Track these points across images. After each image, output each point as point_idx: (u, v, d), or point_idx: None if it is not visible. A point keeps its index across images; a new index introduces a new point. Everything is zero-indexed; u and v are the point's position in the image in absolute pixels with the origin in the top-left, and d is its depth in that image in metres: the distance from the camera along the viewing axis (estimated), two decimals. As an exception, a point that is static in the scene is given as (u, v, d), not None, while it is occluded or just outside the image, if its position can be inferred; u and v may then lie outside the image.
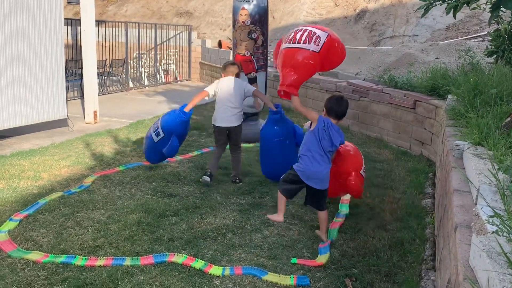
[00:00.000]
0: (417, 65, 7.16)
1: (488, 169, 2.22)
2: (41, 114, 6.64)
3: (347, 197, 4.39)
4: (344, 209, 4.11)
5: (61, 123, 7.07)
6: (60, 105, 6.94)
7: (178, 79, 14.39)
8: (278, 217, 3.79)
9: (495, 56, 5.45)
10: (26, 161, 5.31)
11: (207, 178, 4.61)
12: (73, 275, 2.93)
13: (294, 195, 3.76)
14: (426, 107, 5.73)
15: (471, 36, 9.78)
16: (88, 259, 3.13)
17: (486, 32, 9.22)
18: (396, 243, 3.44)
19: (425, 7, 4.68)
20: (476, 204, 2.02)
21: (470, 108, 3.71)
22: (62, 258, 3.13)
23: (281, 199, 3.75)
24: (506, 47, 5.20)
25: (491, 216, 1.59)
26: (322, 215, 3.58)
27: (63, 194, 4.34)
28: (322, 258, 3.20)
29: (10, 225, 3.63)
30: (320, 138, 3.49)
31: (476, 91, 4.06)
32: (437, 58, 7.53)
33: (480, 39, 9.10)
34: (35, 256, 3.16)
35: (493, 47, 5.42)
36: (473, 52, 5.95)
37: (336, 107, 3.57)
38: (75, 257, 3.15)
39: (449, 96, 4.76)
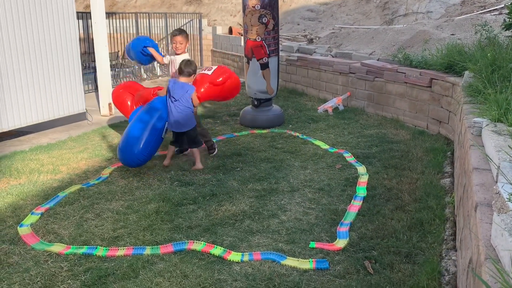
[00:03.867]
0: (432, 42, 7.01)
1: (509, 146, 2.17)
2: (60, 109, 6.73)
3: (364, 179, 4.37)
4: (361, 192, 4.08)
5: (77, 116, 7.15)
6: (78, 99, 7.02)
7: (191, 67, 14.34)
8: (166, 160, 4.98)
9: (513, 29, 5.29)
10: (45, 155, 5.39)
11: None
12: (95, 266, 2.99)
13: (176, 142, 5.04)
14: (443, 85, 5.62)
15: (488, 10, 9.52)
16: (109, 249, 3.18)
17: (503, 5, 8.96)
18: (416, 224, 3.41)
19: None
20: (496, 182, 1.98)
21: (488, 84, 3.62)
22: (83, 249, 3.19)
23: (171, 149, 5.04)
24: (525, 19, 5.04)
25: (512, 194, 1.55)
26: (196, 151, 4.89)
27: (82, 186, 4.41)
28: (341, 243, 3.19)
29: (32, 218, 3.70)
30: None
31: (494, 66, 3.96)
32: (452, 34, 7.35)
33: (497, 13, 8.85)
34: (57, 248, 3.22)
35: (510, 19, 5.25)
36: (490, 26, 5.78)
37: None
38: (96, 248, 3.20)
39: (466, 72, 4.65)
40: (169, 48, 13.50)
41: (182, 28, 5.84)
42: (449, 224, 3.31)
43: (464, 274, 2.09)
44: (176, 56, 5.32)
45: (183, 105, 4.72)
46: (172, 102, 4.73)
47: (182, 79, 4.81)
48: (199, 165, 4.83)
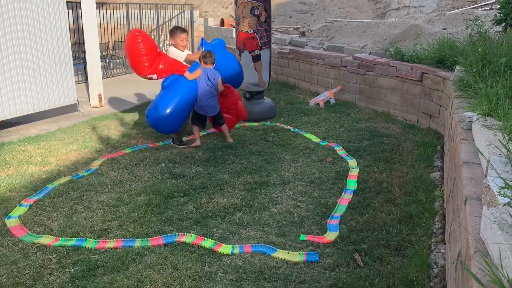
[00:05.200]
0: (424, 37, 7.03)
1: (498, 140, 2.18)
2: (51, 100, 6.65)
3: (354, 172, 4.38)
4: (352, 185, 4.09)
5: (66, 108, 7.07)
6: (69, 90, 6.94)
7: (182, 59, 14.25)
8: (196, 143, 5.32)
9: (503, 24, 5.31)
10: (34, 147, 5.33)
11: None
12: (84, 258, 2.97)
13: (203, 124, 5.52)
14: (434, 79, 5.64)
15: (479, 4, 9.56)
16: (98, 241, 3.16)
17: (494, 0, 9.00)
18: (405, 217, 3.43)
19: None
20: (486, 175, 1.99)
21: (479, 79, 3.64)
22: (72, 242, 3.16)
23: (195, 129, 5.39)
24: (515, 14, 5.06)
25: (502, 188, 1.56)
26: (224, 127, 5.49)
27: (72, 178, 4.37)
28: (331, 236, 3.20)
29: (20, 210, 3.66)
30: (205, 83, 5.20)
31: (485, 61, 3.97)
32: (444, 29, 7.37)
33: (488, 8, 8.89)
34: (46, 240, 3.19)
35: (501, 15, 5.28)
36: (481, 21, 5.80)
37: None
38: (86, 240, 3.18)
39: (457, 67, 4.67)
40: (161, 39, 13.39)
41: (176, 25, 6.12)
42: (438, 218, 3.33)
43: (452, 267, 2.11)
44: (179, 52, 5.43)
45: (215, 89, 5.25)
46: (210, 87, 5.16)
47: (210, 66, 5.22)
48: (229, 139, 5.45)
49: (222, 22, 14.04)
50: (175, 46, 5.44)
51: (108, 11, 11.48)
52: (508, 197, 1.50)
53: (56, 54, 6.65)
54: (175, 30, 5.45)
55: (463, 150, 2.53)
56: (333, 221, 3.41)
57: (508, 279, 1.21)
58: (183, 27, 5.76)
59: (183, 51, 5.43)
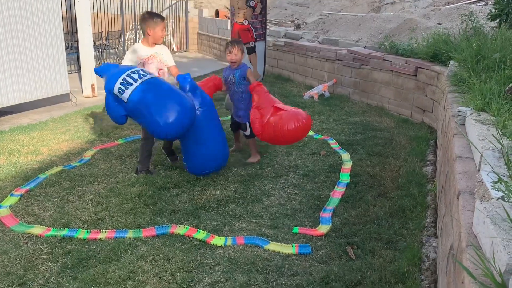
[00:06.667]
0: (419, 31, 7.03)
1: (492, 135, 2.19)
2: (44, 89, 6.58)
3: (347, 166, 4.39)
4: (345, 178, 4.10)
5: (58, 97, 7.01)
6: (62, 80, 6.88)
7: (176, 50, 14.19)
8: (256, 157, 4.56)
9: (498, 20, 5.34)
10: (25, 136, 5.28)
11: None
12: (76, 248, 2.95)
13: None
14: (428, 73, 5.65)
15: (474, 0, 9.57)
16: (90, 232, 3.15)
17: (489, -4, 9.01)
18: (397, 211, 3.45)
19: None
20: (479, 170, 2.00)
21: (473, 74, 3.65)
22: (64, 232, 3.14)
23: (254, 143, 4.58)
24: (510, 10, 5.08)
25: (496, 182, 1.57)
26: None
27: (64, 168, 4.33)
28: (323, 228, 3.21)
29: (11, 200, 3.63)
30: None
31: (479, 56, 3.99)
32: (439, 24, 7.38)
33: (483, 3, 8.90)
34: (37, 230, 3.17)
35: (496, 10, 5.29)
36: (476, 17, 5.81)
37: None
38: (78, 230, 3.16)
39: (451, 62, 4.68)
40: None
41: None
42: (430, 212, 3.35)
43: (444, 260, 2.12)
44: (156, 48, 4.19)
45: None
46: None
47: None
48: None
49: (217, 13, 13.95)
50: (153, 39, 4.03)
51: (101, 0, 11.35)
52: (502, 191, 1.50)
53: (48, 43, 6.57)
54: (154, 17, 3.98)
55: (457, 145, 2.54)
56: (326, 214, 3.42)
57: (499, 273, 1.22)
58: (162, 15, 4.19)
59: (153, 46, 4.06)
